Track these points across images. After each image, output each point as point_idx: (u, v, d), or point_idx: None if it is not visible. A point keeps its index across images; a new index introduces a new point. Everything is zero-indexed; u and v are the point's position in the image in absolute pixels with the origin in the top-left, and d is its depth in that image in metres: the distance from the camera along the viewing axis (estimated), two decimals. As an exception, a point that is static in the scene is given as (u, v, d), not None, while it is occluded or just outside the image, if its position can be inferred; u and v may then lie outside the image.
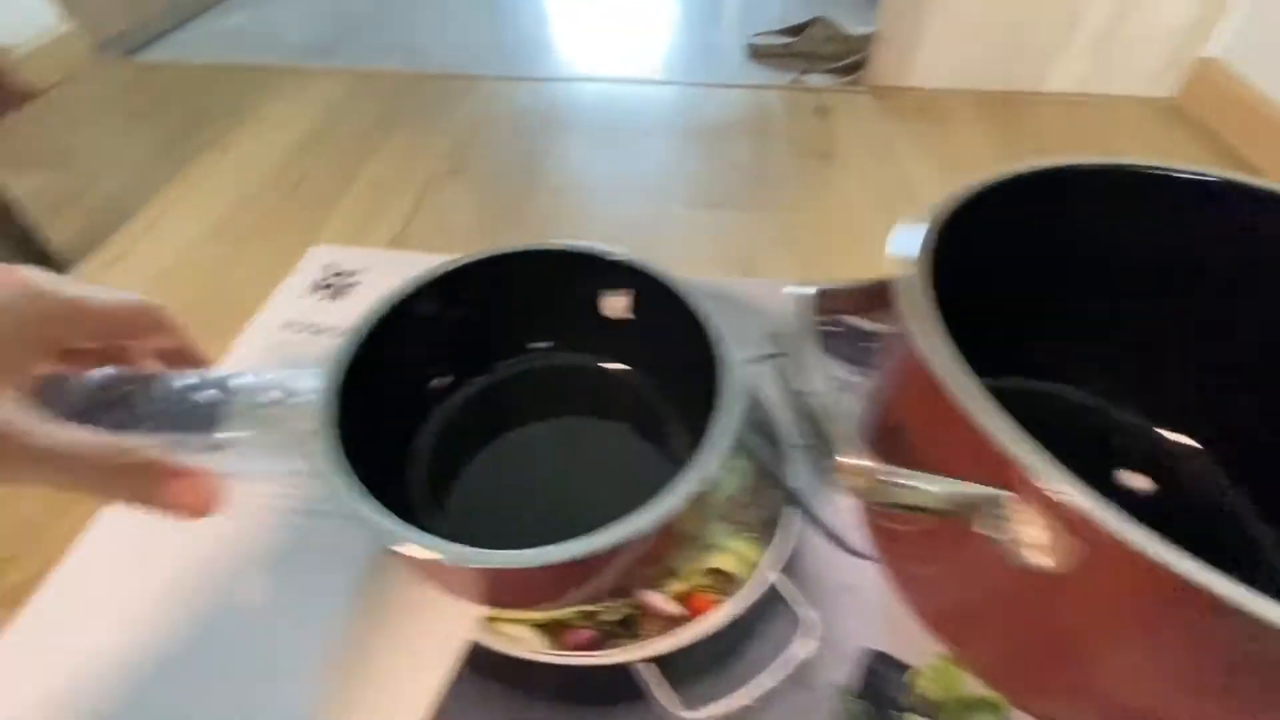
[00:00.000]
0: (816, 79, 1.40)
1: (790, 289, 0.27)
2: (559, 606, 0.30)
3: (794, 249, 0.95)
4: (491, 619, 0.30)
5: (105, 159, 1.09)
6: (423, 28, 1.50)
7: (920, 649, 0.30)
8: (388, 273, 0.37)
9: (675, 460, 0.34)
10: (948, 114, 1.21)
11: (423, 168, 1.05)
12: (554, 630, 0.30)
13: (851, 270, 0.45)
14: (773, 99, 1.23)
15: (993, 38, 1.21)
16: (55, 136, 1.14)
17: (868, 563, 0.33)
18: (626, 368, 0.39)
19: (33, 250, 0.77)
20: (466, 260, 0.36)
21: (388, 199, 0.99)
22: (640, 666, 0.29)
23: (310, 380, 0.27)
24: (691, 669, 0.29)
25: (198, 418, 0.24)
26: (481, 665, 0.29)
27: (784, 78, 1.39)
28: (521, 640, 0.30)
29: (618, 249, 0.36)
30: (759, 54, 1.55)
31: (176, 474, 0.21)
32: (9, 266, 0.21)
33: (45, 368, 0.22)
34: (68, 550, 0.59)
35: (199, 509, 0.22)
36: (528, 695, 0.28)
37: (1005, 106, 1.22)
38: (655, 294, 0.34)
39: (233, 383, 0.26)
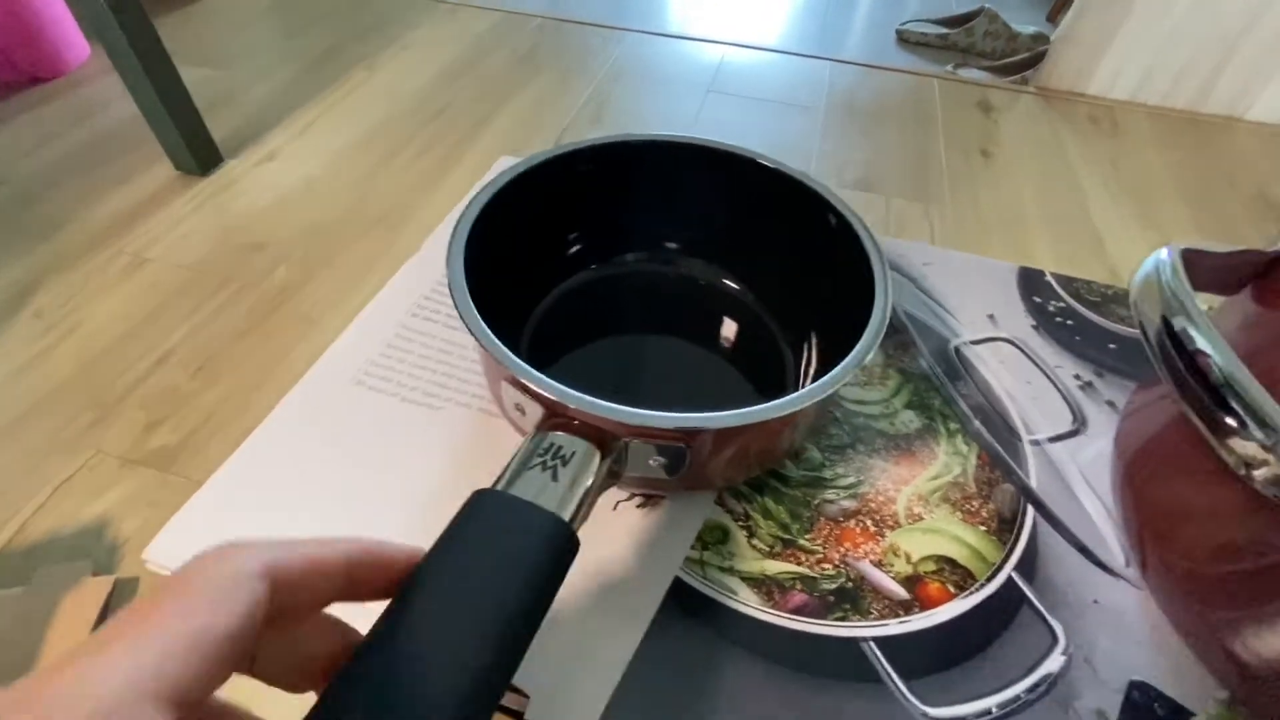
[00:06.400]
0: (972, 73, 1.31)
1: (1161, 251, 0.23)
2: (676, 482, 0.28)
3: (947, 242, 0.89)
4: (701, 563, 0.28)
5: (260, 64, 1.11)
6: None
7: (1193, 685, 0.26)
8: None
9: (772, 385, 0.34)
10: (1124, 129, 1.10)
11: (563, 112, 1.03)
12: (767, 588, 0.28)
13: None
14: (931, 88, 1.15)
15: (1196, 53, 1.10)
16: (217, 37, 1.18)
17: (1120, 581, 0.28)
18: (744, 287, 0.39)
19: (201, 139, 0.79)
20: (626, 138, 0.35)
21: (528, 137, 0.97)
22: (874, 648, 0.25)
23: None
24: (920, 662, 0.26)
25: None
26: (690, 607, 0.27)
27: (935, 67, 1.30)
28: (736, 593, 0.27)
29: (772, 159, 0.34)
30: (909, 41, 1.47)
31: None
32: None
33: None
34: (209, 418, 0.61)
35: None
36: (743, 648, 0.26)
37: (1193, 129, 1.11)
38: (802, 206, 0.33)
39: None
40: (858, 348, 0.25)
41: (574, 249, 0.37)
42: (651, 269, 0.38)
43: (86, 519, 0.56)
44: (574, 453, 0.22)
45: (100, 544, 0.54)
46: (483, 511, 0.19)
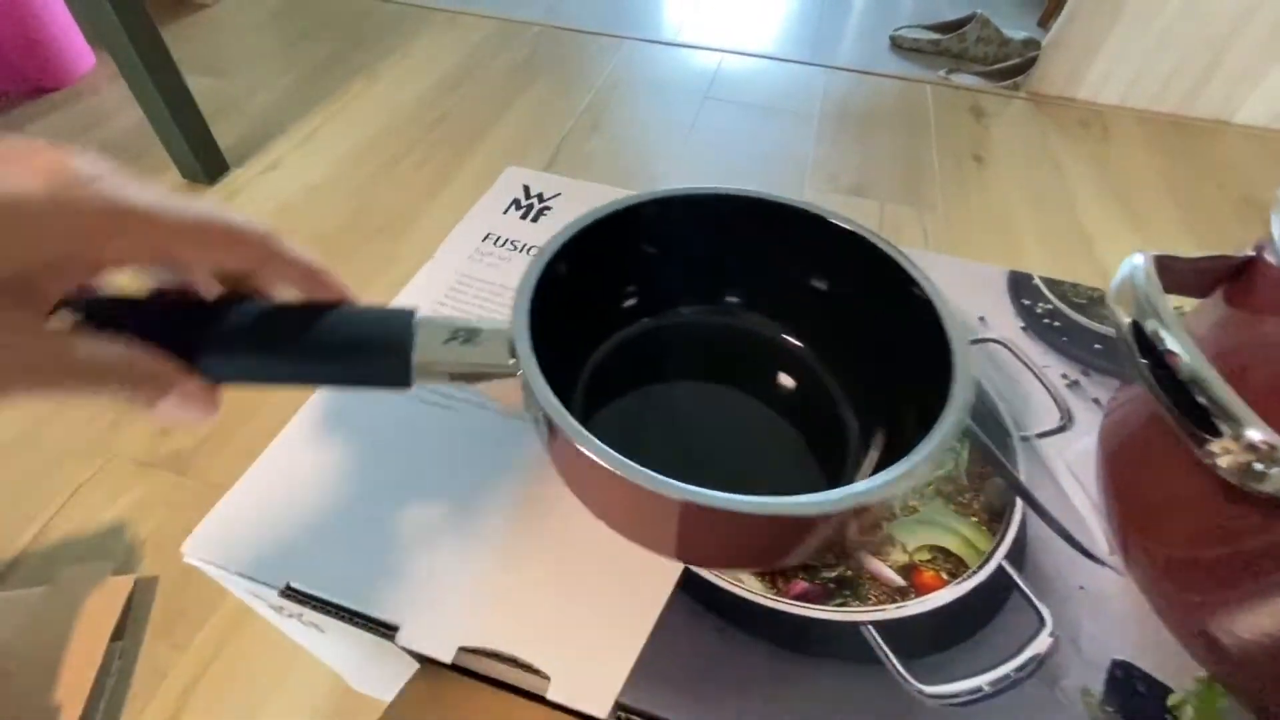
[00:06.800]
0: (964, 78, 1.33)
1: (1135, 257, 0.25)
2: (752, 566, 0.29)
3: (939, 246, 0.91)
4: (709, 555, 0.29)
5: (264, 73, 1.13)
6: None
7: (1172, 664, 0.27)
8: (583, 200, 0.36)
9: (831, 453, 0.32)
10: (1114, 133, 1.13)
11: (562, 120, 1.05)
12: (771, 577, 0.29)
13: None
14: (924, 93, 1.17)
15: (1184, 57, 1.12)
16: (221, 47, 1.19)
17: (1104, 568, 0.30)
18: (807, 346, 0.37)
19: (208, 146, 0.80)
20: (678, 192, 0.34)
21: (528, 145, 0.99)
22: (873, 632, 0.27)
23: (494, 324, 0.26)
24: (916, 645, 0.28)
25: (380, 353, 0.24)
26: (699, 595, 0.28)
27: (928, 73, 1.32)
28: (743, 581, 0.29)
29: (845, 219, 0.33)
30: (902, 46, 1.49)
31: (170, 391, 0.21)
32: (54, 150, 0.17)
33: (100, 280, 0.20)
34: (221, 423, 0.62)
35: (190, 423, 0.22)
36: (749, 633, 0.27)
37: (1182, 133, 1.13)
38: (874, 270, 0.31)
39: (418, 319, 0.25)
40: (908, 461, 0.23)
41: (631, 300, 0.37)
42: (713, 321, 0.38)
43: (105, 520, 0.57)
44: (484, 345, 0.24)
45: (120, 544, 0.56)
46: (388, 315, 0.24)
